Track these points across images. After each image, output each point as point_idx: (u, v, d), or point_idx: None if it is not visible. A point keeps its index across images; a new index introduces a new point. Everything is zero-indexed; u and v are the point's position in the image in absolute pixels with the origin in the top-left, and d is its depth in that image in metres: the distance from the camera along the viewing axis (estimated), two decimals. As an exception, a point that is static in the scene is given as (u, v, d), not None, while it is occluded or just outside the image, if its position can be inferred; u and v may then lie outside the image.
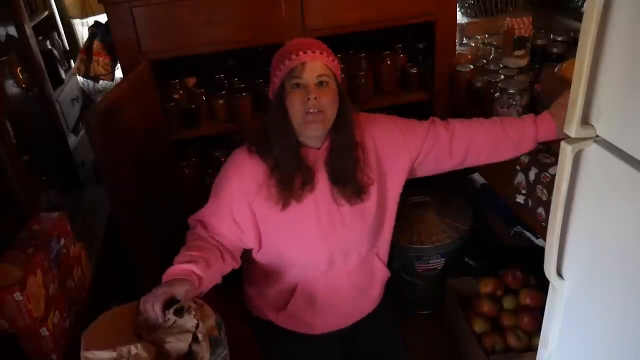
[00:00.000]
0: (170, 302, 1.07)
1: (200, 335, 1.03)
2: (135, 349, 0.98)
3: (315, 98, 1.15)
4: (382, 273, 1.46)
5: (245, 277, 1.46)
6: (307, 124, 1.18)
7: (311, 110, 1.16)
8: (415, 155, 1.35)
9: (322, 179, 1.26)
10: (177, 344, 1.02)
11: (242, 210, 1.25)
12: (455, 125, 1.37)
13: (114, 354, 0.97)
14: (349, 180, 1.26)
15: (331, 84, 1.19)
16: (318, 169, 1.26)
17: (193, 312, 1.04)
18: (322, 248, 1.30)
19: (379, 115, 1.40)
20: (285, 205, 1.23)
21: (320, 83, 1.17)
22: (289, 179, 1.22)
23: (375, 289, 1.46)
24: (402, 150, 1.34)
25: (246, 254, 1.35)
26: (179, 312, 1.05)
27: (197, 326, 1.04)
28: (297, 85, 1.17)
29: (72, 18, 2.68)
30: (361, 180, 1.28)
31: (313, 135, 1.23)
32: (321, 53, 1.18)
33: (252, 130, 1.28)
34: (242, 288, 1.49)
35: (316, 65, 1.17)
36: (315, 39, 1.24)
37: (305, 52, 1.16)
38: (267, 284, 1.39)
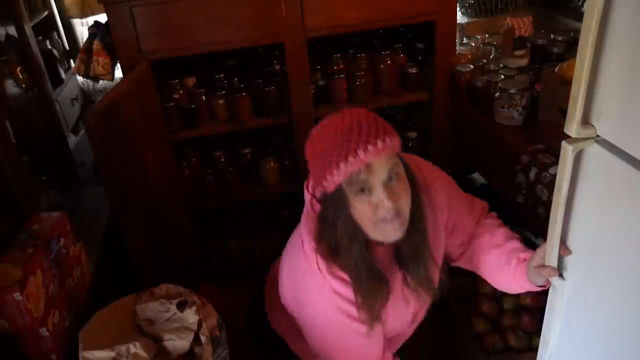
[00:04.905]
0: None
1: (203, 338, 1.02)
2: (134, 347, 0.97)
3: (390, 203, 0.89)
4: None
5: (277, 310, 1.19)
6: (384, 231, 0.92)
7: (388, 217, 0.90)
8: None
9: (393, 277, 1.03)
10: (179, 342, 1.02)
11: None
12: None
13: (112, 354, 0.97)
14: (425, 283, 1.03)
15: (401, 172, 0.92)
16: (388, 265, 1.03)
17: (195, 308, 1.04)
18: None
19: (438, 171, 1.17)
20: (372, 326, 1.00)
21: (390, 178, 0.90)
22: (371, 294, 0.98)
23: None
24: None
25: (278, 304, 1.14)
26: (181, 306, 1.05)
27: (199, 325, 1.03)
28: (362, 190, 0.89)
29: (72, 18, 2.68)
30: (435, 278, 1.06)
31: (391, 239, 0.95)
32: (384, 140, 0.86)
33: (323, 251, 0.98)
34: (264, 305, 1.29)
35: (383, 162, 0.88)
36: (369, 112, 0.92)
37: (366, 149, 0.84)
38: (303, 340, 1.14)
